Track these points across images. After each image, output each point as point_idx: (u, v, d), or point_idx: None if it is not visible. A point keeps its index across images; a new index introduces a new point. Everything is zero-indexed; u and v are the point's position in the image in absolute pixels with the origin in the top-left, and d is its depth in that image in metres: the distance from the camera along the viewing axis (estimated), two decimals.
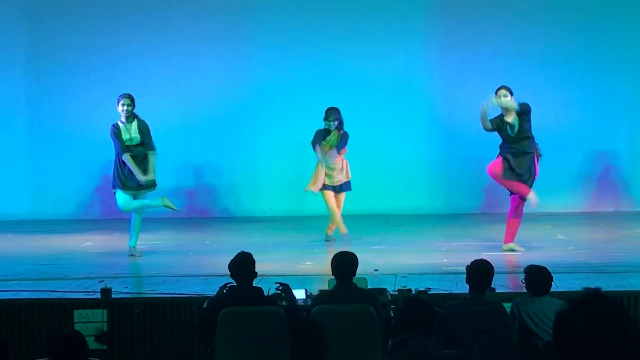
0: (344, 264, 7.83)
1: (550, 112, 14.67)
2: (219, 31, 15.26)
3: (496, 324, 6.31)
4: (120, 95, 11.49)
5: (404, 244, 12.19)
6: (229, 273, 7.76)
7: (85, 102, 15.25)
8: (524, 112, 11.10)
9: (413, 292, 8.70)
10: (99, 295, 9.04)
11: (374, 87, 15.08)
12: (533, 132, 11.24)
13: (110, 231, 13.53)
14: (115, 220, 13.88)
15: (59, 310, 8.99)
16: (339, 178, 12.36)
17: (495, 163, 11.27)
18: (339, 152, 12.29)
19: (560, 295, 7.96)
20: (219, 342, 7.57)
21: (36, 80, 15.42)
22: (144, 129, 11.43)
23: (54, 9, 15.38)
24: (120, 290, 9.30)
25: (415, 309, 6.28)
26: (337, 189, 12.38)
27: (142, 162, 11.44)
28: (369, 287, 8.35)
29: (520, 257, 10.82)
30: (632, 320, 3.38)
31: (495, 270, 7.55)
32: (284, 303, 7.85)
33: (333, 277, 7.94)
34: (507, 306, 7.61)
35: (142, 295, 9.31)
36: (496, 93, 11.19)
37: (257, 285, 7.85)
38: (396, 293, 8.66)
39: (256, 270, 7.78)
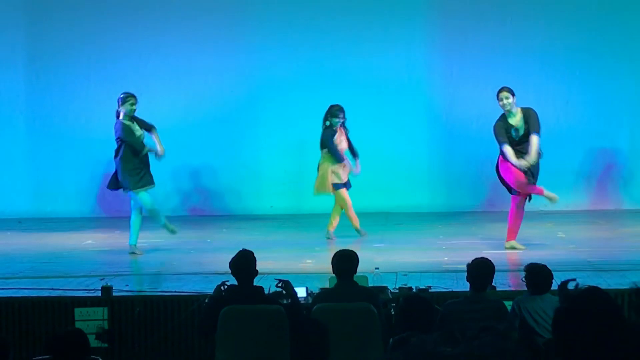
0: (345, 262, 7.84)
1: (551, 110, 14.64)
2: (219, 30, 15.25)
3: (497, 321, 6.31)
4: (129, 95, 11.42)
5: (405, 241, 12.18)
6: (230, 271, 7.75)
7: (86, 100, 15.25)
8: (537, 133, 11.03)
9: (414, 290, 8.70)
10: (99, 293, 9.03)
11: (375, 85, 15.07)
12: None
13: (110, 229, 13.52)
14: (116, 218, 13.88)
15: (59, 308, 8.99)
16: (345, 175, 12.42)
17: (515, 172, 11.01)
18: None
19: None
20: (219, 340, 7.56)
21: (37, 78, 15.42)
22: (144, 126, 11.54)
23: (54, 7, 15.38)
24: (121, 288, 9.29)
25: (416, 307, 6.28)
26: (348, 186, 12.45)
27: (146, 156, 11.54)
28: (369, 285, 8.35)
29: (521, 255, 10.81)
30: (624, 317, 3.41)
31: (496, 268, 7.55)
32: (286, 301, 7.83)
33: (334, 275, 7.94)
34: (508, 304, 7.61)
35: (143, 293, 9.31)
36: (498, 95, 11.11)
37: (258, 284, 7.84)
38: (397, 291, 8.65)
39: (257, 268, 7.77)
